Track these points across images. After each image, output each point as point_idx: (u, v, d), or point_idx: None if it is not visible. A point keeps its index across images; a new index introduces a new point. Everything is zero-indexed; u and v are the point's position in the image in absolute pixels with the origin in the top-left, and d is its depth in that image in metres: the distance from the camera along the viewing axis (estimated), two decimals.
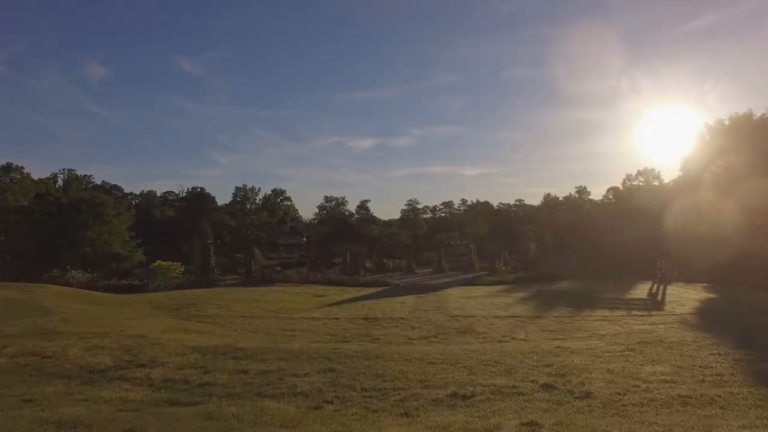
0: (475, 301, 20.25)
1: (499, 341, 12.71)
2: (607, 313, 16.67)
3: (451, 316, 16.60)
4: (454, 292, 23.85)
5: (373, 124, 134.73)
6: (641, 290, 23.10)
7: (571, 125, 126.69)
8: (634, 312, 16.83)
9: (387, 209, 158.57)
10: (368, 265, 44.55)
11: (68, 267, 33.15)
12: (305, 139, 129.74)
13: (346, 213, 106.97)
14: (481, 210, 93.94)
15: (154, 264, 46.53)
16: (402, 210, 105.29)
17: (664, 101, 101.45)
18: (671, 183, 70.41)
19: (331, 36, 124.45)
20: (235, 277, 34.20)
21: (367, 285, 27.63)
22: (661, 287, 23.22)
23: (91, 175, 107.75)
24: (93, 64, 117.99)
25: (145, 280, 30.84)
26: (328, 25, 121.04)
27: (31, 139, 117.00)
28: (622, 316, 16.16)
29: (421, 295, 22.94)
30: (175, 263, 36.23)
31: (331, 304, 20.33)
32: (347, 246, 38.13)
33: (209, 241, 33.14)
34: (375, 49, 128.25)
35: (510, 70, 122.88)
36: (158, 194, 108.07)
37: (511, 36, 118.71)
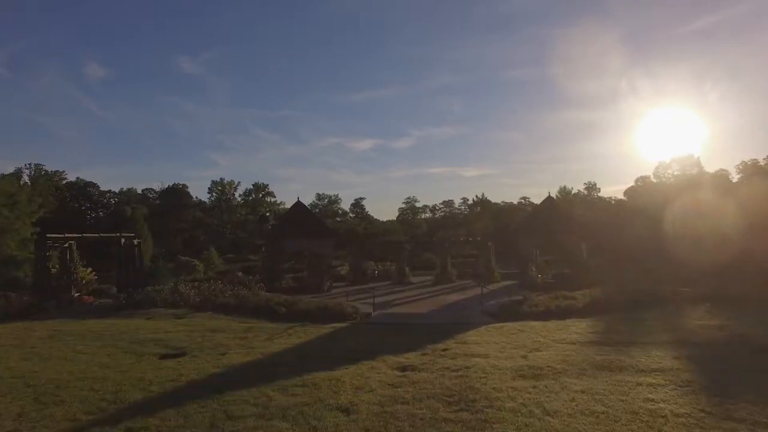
0: (567, 398, 6.14)
1: None
2: None
3: None
4: (487, 347, 9.73)
5: (373, 124, 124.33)
6: None
7: (572, 126, 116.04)
8: None
9: (386, 210, 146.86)
10: (344, 270, 30.52)
11: None
12: (305, 140, 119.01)
13: (339, 211, 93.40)
14: (486, 206, 79.61)
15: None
16: (400, 208, 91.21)
17: (665, 102, 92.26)
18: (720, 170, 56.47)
19: (330, 36, 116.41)
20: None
21: (306, 318, 13.59)
22: None
23: (63, 171, 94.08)
24: (93, 64, 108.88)
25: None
26: (327, 25, 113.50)
27: (31, 140, 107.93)
28: None
29: (407, 358, 8.87)
30: (87, 269, 22.88)
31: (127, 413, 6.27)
32: (308, 243, 24.21)
33: (45, 236, 19.14)
34: (374, 49, 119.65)
35: (510, 70, 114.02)
36: (139, 191, 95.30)
37: (511, 36, 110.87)
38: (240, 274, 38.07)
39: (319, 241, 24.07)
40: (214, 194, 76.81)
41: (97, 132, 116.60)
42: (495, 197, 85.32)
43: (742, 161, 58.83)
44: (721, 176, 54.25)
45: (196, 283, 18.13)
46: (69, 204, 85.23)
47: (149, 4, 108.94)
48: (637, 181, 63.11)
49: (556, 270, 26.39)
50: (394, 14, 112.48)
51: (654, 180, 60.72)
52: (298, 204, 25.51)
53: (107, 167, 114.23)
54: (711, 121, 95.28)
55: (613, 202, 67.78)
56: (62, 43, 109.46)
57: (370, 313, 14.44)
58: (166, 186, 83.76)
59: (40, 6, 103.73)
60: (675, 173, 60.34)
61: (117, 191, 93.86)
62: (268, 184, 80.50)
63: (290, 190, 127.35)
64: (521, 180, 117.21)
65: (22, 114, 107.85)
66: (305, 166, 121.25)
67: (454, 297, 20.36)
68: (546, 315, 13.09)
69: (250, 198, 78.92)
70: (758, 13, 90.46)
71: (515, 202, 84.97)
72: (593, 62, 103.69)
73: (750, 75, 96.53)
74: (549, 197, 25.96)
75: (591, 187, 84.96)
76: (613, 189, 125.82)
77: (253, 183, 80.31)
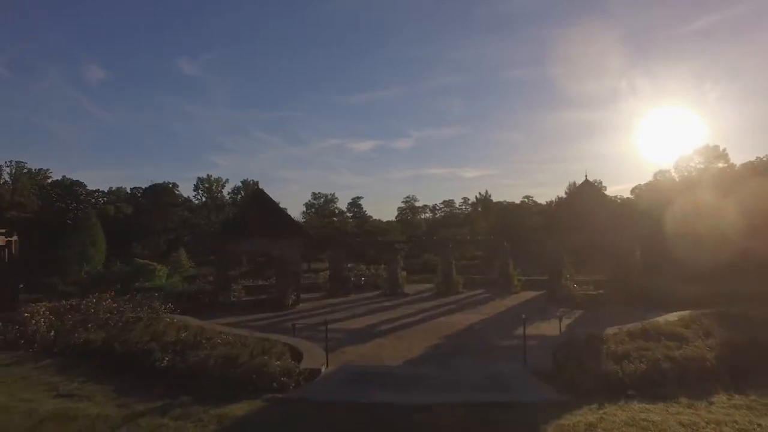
0: None
1: None
2: None
3: None
4: None
5: (373, 125, 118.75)
6: None
7: (572, 126, 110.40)
8: None
9: (386, 211, 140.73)
10: (323, 278, 23.87)
11: None
12: (305, 141, 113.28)
13: (336, 211, 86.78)
14: (489, 205, 72.78)
15: None
16: (399, 208, 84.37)
17: (665, 102, 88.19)
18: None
19: (330, 37, 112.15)
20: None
21: (195, 384, 7.00)
22: None
23: (48, 170, 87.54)
24: (92, 65, 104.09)
25: None
26: (327, 26, 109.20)
27: (31, 141, 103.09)
28: None
29: None
30: None
31: None
32: (267, 244, 17.65)
33: None
34: (374, 49, 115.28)
35: (510, 70, 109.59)
36: (128, 191, 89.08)
37: (511, 36, 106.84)
38: (211, 279, 31.66)
39: (281, 241, 17.47)
40: (200, 192, 70.25)
41: (97, 133, 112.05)
42: (495, 198, 79.05)
43: (757, 157, 52.74)
44: (754, 168, 47.57)
45: (72, 304, 11.58)
46: (55, 203, 78.92)
47: (149, 5, 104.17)
48: (656, 175, 56.42)
49: (585, 276, 19.76)
50: (394, 14, 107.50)
51: (675, 174, 53.99)
52: (258, 193, 18.79)
53: (107, 169, 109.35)
54: (711, 121, 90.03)
55: (619, 200, 61.74)
56: (62, 44, 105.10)
57: (320, 370, 7.82)
58: (150, 184, 77.31)
59: (40, 7, 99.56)
60: (698, 166, 53.62)
61: (105, 191, 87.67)
62: (258, 181, 73.71)
63: (290, 191, 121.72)
64: (521, 180, 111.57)
65: (22, 116, 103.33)
66: (305, 168, 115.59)
67: (464, 319, 13.80)
68: (657, 382, 6.47)
69: (239, 196, 72.31)
70: (758, 13, 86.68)
71: (517, 202, 78.68)
72: (593, 62, 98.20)
73: (750, 75, 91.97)
74: (586, 182, 19.13)
75: (596, 185, 78.62)
76: (614, 189, 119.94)
77: (242, 180, 73.61)
